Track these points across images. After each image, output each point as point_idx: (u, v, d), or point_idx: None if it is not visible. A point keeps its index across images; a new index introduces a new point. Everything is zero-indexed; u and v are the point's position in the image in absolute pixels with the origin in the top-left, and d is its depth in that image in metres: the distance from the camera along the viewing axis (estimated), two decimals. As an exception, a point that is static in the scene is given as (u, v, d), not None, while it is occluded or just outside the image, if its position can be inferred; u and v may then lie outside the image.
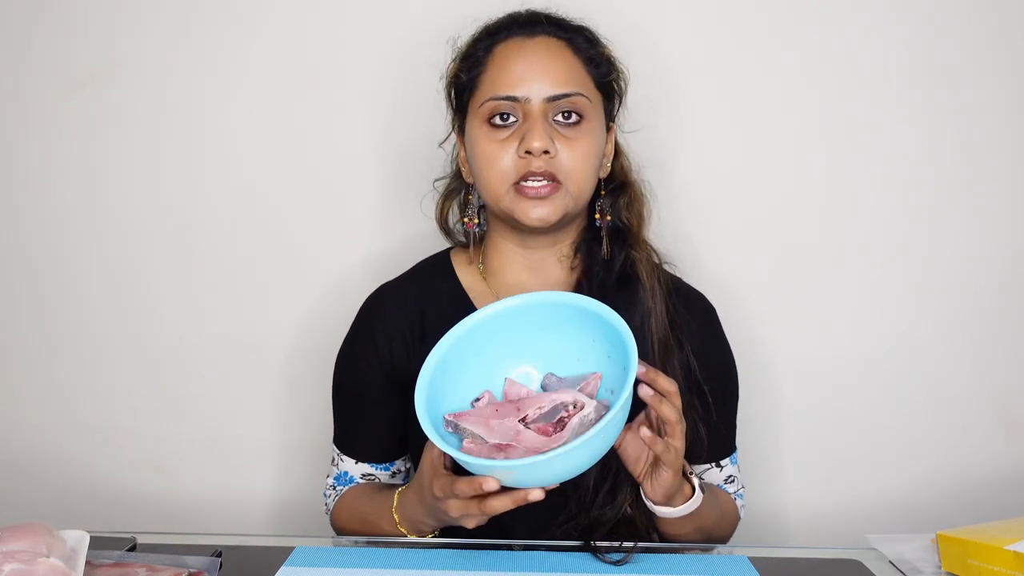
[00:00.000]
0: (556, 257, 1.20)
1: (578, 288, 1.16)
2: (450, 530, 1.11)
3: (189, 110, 1.47)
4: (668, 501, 1.02)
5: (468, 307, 1.19)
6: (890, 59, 1.43)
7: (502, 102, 1.11)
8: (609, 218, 1.19)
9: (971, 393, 1.48)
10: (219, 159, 1.48)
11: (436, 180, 1.31)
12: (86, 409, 1.52)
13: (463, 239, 1.28)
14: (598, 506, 1.07)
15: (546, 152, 1.09)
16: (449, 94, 1.22)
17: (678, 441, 0.97)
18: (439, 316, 1.19)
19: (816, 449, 1.49)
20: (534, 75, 1.11)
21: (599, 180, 1.19)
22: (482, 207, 1.22)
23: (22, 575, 0.81)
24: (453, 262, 1.25)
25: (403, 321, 1.20)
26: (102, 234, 1.49)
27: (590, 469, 0.93)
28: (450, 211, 1.28)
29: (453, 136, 1.25)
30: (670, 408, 0.96)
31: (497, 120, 1.12)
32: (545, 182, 1.10)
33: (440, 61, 1.23)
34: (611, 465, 1.05)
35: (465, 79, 1.17)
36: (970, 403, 1.48)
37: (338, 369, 1.25)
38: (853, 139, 1.45)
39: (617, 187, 1.21)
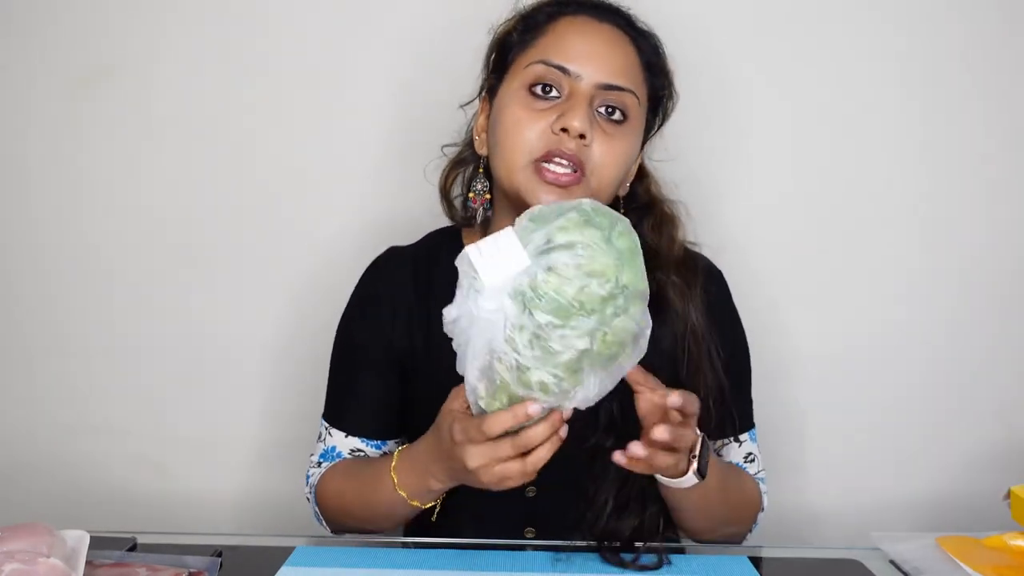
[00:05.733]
0: None
1: None
2: (449, 530, 1.10)
3: (188, 107, 1.47)
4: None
5: None
6: (915, 63, 1.44)
7: (552, 69, 1.04)
8: None
9: (976, 395, 1.48)
10: (216, 159, 1.47)
11: (445, 146, 1.24)
12: (86, 409, 1.51)
13: (464, 213, 1.20)
14: (610, 521, 1.02)
15: (582, 136, 1.03)
16: (492, 52, 1.14)
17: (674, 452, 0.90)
18: (446, 297, 1.13)
19: (817, 449, 1.49)
20: (593, 55, 1.05)
21: (617, 197, 1.13)
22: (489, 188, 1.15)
23: (22, 575, 0.80)
24: (464, 239, 1.19)
25: (410, 293, 1.16)
26: (100, 234, 1.49)
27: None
28: (454, 182, 1.21)
29: (469, 108, 1.20)
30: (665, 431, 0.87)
31: (539, 90, 1.05)
32: (569, 170, 1.03)
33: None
34: (624, 480, 1.02)
35: (517, 39, 1.10)
36: (971, 404, 1.48)
37: (340, 329, 1.20)
38: (880, 139, 1.45)
39: (642, 207, 1.15)
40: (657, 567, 0.97)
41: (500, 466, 0.88)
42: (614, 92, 1.06)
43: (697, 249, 1.21)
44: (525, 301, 0.81)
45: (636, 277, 0.85)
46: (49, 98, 1.47)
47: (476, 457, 0.88)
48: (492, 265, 0.83)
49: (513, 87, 1.07)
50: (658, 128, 1.18)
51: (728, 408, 1.09)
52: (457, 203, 1.21)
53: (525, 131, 1.04)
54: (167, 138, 1.47)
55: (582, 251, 0.82)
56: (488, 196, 1.14)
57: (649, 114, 1.13)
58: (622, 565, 0.98)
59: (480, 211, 1.14)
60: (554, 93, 1.05)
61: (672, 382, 1.01)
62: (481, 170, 1.15)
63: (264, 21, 1.45)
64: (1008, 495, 1.02)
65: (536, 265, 0.82)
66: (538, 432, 0.86)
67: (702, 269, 1.16)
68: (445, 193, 1.21)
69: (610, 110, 1.06)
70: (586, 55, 1.05)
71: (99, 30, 1.46)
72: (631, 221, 1.12)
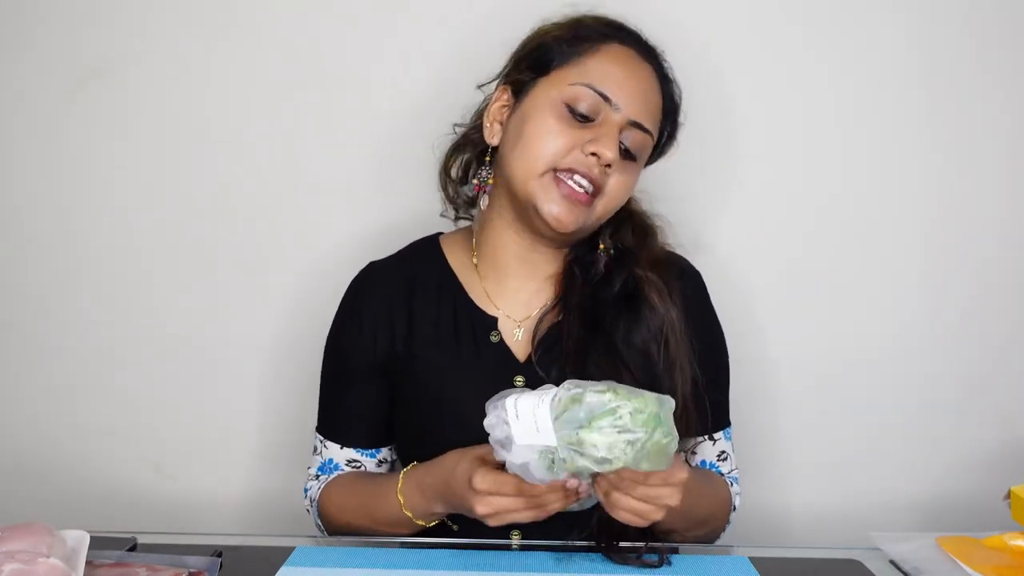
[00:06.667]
0: (548, 257, 1.17)
1: (566, 292, 1.14)
2: (448, 530, 1.11)
3: (184, 109, 1.47)
4: None
5: (458, 293, 1.17)
6: (899, 66, 1.43)
7: (595, 94, 1.07)
8: (612, 251, 1.16)
9: (977, 395, 1.48)
10: (217, 160, 1.47)
11: (457, 124, 1.23)
12: (86, 409, 1.51)
13: (467, 196, 1.23)
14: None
15: (608, 166, 1.07)
16: (531, 47, 1.14)
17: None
18: (427, 304, 1.17)
19: (817, 449, 1.49)
20: (635, 91, 1.09)
21: None
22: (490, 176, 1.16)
23: (22, 575, 0.80)
24: (443, 247, 1.22)
25: (392, 305, 1.18)
26: (100, 234, 1.49)
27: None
28: (454, 165, 1.22)
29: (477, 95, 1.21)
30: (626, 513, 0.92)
31: (579, 110, 1.08)
32: (585, 190, 1.07)
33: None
34: None
35: (566, 49, 1.11)
36: (971, 404, 1.48)
37: (328, 346, 1.23)
38: (860, 144, 1.45)
39: (620, 217, 1.17)
40: (658, 566, 0.98)
41: (508, 514, 0.94)
42: (638, 130, 1.10)
43: (672, 249, 1.22)
44: (554, 464, 0.88)
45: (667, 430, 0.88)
46: (47, 99, 1.47)
47: (495, 505, 0.94)
48: (524, 431, 0.88)
49: (551, 95, 1.09)
50: (649, 163, 1.20)
51: (703, 406, 1.11)
52: (452, 188, 1.23)
53: (555, 141, 1.08)
54: (165, 140, 1.47)
55: (608, 466, 0.86)
56: (491, 182, 1.16)
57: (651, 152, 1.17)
58: (624, 561, 0.99)
59: (483, 198, 1.16)
60: (591, 121, 1.08)
61: (646, 378, 1.05)
62: (488, 159, 1.16)
63: (260, 22, 1.45)
64: (1008, 495, 1.02)
65: (563, 450, 0.87)
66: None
67: (679, 269, 1.19)
68: (447, 173, 1.23)
69: (627, 151, 1.10)
70: (627, 89, 1.09)
71: (96, 30, 1.46)
72: (610, 231, 1.17)
